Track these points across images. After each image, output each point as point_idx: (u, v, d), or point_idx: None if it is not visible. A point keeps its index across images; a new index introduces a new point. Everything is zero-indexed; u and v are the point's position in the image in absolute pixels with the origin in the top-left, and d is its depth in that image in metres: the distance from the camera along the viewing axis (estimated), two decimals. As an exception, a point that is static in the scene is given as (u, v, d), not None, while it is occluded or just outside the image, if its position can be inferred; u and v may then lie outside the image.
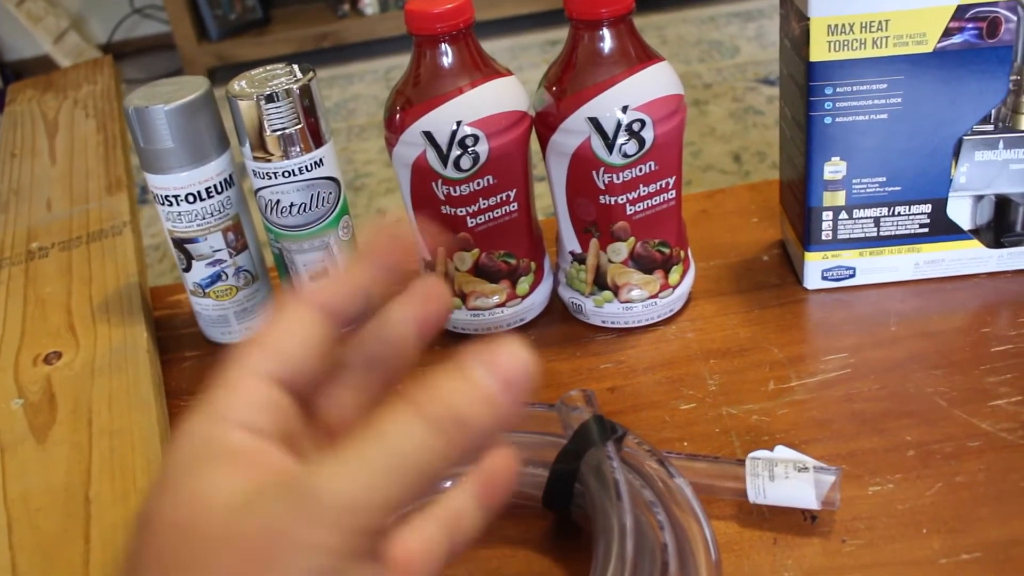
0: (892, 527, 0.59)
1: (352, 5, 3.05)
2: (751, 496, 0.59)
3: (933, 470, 0.63)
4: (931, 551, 0.57)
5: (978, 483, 0.61)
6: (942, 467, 0.63)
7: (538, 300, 0.79)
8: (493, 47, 2.77)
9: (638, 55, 0.70)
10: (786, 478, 0.58)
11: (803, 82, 0.71)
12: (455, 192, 0.72)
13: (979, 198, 0.79)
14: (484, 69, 0.72)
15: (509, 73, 0.74)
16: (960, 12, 0.68)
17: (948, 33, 0.69)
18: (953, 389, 0.69)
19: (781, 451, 0.61)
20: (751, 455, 0.60)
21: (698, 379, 0.72)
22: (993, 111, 0.75)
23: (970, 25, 0.68)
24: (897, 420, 0.67)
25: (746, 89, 2.51)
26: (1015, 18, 0.69)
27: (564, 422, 0.60)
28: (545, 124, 0.72)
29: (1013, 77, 0.73)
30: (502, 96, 0.72)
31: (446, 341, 0.80)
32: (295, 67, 0.76)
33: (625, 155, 0.69)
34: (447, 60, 0.71)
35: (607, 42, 0.69)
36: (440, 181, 0.72)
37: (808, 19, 0.68)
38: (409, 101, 0.72)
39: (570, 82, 0.70)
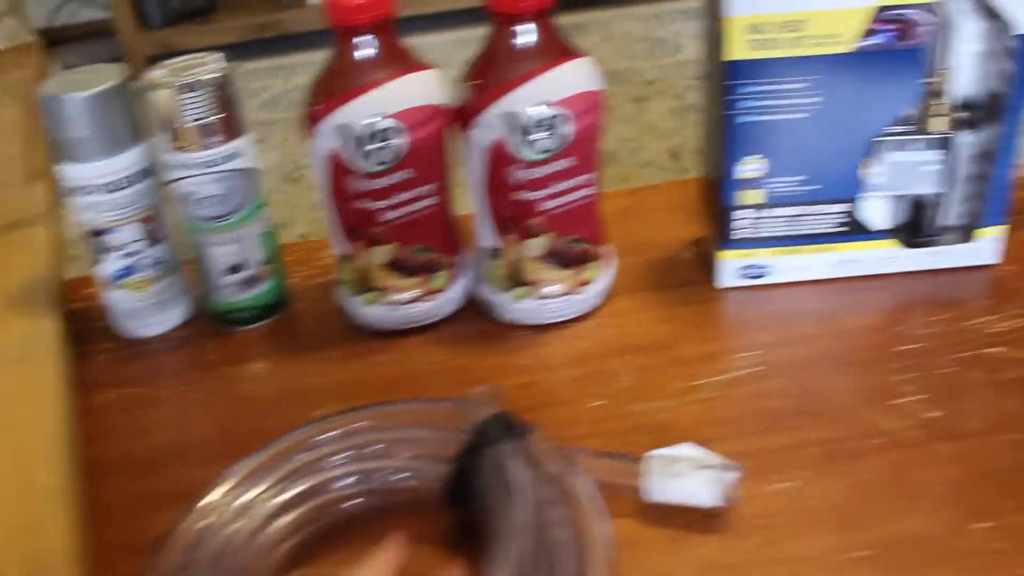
0: (791, 525, 0.59)
1: (298, -6, 3.03)
2: (647, 494, 0.59)
3: (836, 468, 0.63)
4: (827, 548, 0.58)
5: (878, 481, 0.62)
6: (845, 465, 0.63)
7: (455, 295, 0.79)
8: (436, 40, 2.76)
9: (557, 51, 0.70)
10: (685, 476, 0.59)
11: (721, 81, 0.72)
12: (371, 186, 0.72)
13: (896, 198, 0.80)
14: (404, 62, 0.72)
15: (430, 66, 0.73)
16: (877, 14, 0.69)
17: (866, 34, 0.69)
18: (860, 388, 0.69)
19: (684, 448, 0.61)
20: (649, 453, 0.61)
21: (611, 376, 0.72)
22: (908, 111, 0.76)
23: (887, 27, 0.69)
24: (804, 418, 0.67)
25: (687, 87, 2.52)
26: (930, 21, 0.69)
27: (469, 418, 0.60)
28: (464, 118, 0.72)
29: (927, 80, 0.74)
30: (421, 89, 0.72)
31: (360, 336, 0.79)
32: (214, 56, 0.75)
33: (542, 150, 0.69)
34: (365, 53, 0.70)
35: (526, 37, 0.69)
36: (357, 175, 0.72)
37: (726, 18, 0.69)
38: (326, 94, 0.71)
39: (488, 76, 0.70)
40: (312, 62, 2.73)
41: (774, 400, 0.69)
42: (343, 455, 0.60)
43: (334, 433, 0.61)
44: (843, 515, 0.60)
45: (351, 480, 0.60)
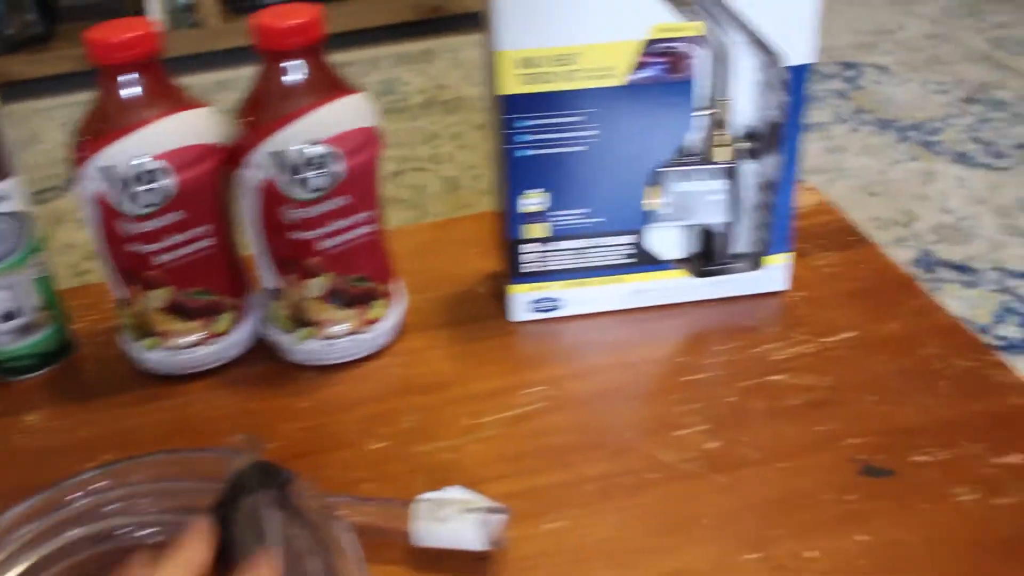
0: (561, 565, 0.59)
1: (140, 22, 2.96)
2: (414, 539, 0.58)
3: (611, 504, 0.63)
4: (591, 588, 0.57)
5: (652, 515, 0.62)
6: (620, 500, 0.63)
7: (241, 337, 0.77)
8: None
9: (328, 87, 0.69)
10: (452, 520, 0.58)
11: (499, 115, 0.71)
12: (140, 229, 0.69)
13: (684, 228, 0.81)
14: (172, 100, 0.69)
15: (201, 104, 0.71)
16: (647, 47, 0.69)
17: (636, 67, 0.69)
18: (642, 420, 0.69)
19: (452, 491, 0.60)
20: (418, 497, 0.59)
21: (395, 416, 0.71)
22: (693, 143, 0.77)
23: (658, 60, 0.69)
24: (583, 453, 0.67)
25: (535, 112, 2.53)
26: (699, 54, 0.70)
27: (227, 469, 0.58)
28: (235, 158, 0.70)
29: (708, 111, 0.75)
30: (190, 128, 0.70)
31: (144, 381, 0.77)
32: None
33: (312, 190, 0.68)
34: (131, 92, 0.68)
35: (294, 74, 0.67)
36: (125, 218, 0.69)
37: (497, 52, 0.68)
38: (91, 135, 0.68)
39: (257, 114, 0.68)
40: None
41: (556, 436, 0.68)
42: (88, 515, 0.58)
43: (79, 494, 0.58)
44: (614, 552, 0.59)
45: (91, 538, 0.57)
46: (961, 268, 1.79)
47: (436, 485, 0.64)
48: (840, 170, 2.13)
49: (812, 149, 2.21)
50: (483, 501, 0.59)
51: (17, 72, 2.81)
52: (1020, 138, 2.18)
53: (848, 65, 2.61)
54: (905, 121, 2.30)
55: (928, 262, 1.80)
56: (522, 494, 0.64)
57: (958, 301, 1.71)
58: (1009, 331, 1.64)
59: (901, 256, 1.83)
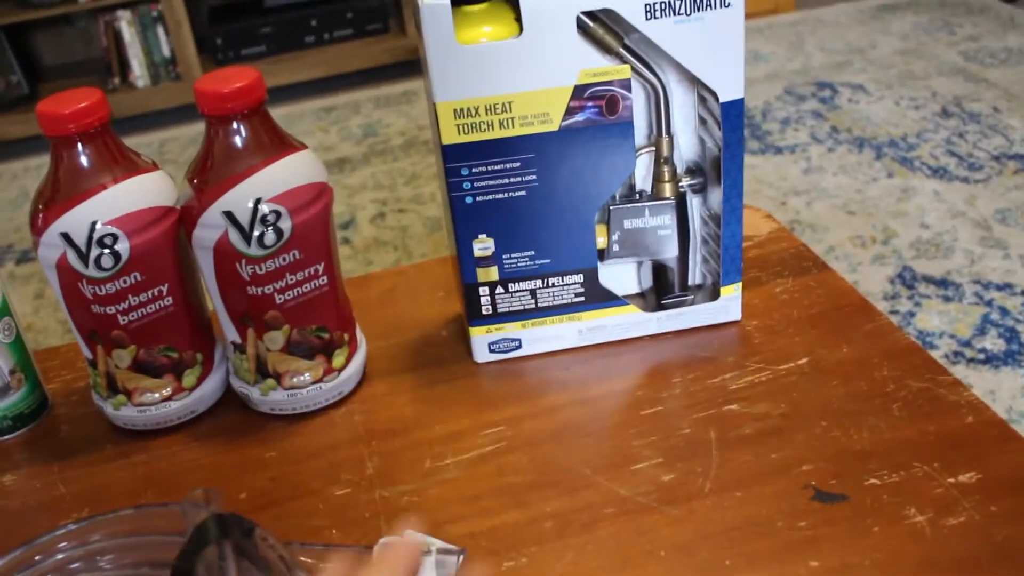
0: (515, 603, 0.60)
1: (122, 78, 2.99)
2: (371, 585, 0.59)
3: (567, 540, 0.64)
4: (544, 626, 0.58)
5: (608, 550, 0.63)
6: (576, 536, 0.64)
7: (209, 391, 0.78)
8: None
9: (274, 146, 0.70)
10: (407, 564, 0.59)
11: (442, 164, 0.73)
12: (101, 291, 0.71)
13: (636, 264, 0.82)
14: (124, 166, 0.71)
15: (154, 168, 0.73)
16: (578, 92, 0.71)
17: (570, 112, 0.71)
18: (600, 456, 0.71)
19: (410, 535, 0.61)
20: (380, 541, 0.61)
21: (358, 462, 0.72)
22: (639, 180, 0.78)
23: (590, 104, 0.71)
24: (541, 491, 0.68)
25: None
26: (631, 96, 0.72)
27: (188, 521, 0.60)
28: (188, 218, 0.71)
29: (649, 149, 0.77)
30: (144, 192, 0.71)
31: (118, 437, 0.78)
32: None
33: (264, 246, 0.69)
34: (84, 160, 0.70)
35: (240, 136, 0.69)
36: (85, 281, 0.71)
37: (436, 103, 0.70)
38: (47, 203, 0.70)
39: (207, 176, 0.70)
40: (142, 144, 2.69)
41: (515, 475, 0.70)
42: (56, 573, 0.59)
43: (46, 554, 0.59)
44: (568, 589, 0.60)
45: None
46: (941, 283, 1.81)
47: (398, 529, 0.65)
48: (818, 190, 2.15)
49: (790, 171, 2.24)
50: (437, 543, 0.60)
51: (3, 132, 2.85)
52: (995, 149, 2.20)
53: (823, 85, 2.64)
54: (881, 138, 2.32)
55: (908, 278, 1.82)
56: (482, 534, 0.65)
57: (939, 316, 1.72)
58: (990, 343, 1.65)
59: (881, 273, 1.85)
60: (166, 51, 2.98)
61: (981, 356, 1.63)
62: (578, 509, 0.66)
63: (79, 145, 0.69)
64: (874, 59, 2.78)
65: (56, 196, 0.70)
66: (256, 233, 0.69)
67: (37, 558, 0.60)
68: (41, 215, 0.70)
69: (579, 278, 0.78)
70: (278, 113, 2.79)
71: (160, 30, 2.96)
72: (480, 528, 0.66)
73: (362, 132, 2.70)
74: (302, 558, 0.60)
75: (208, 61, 3.04)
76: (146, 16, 2.94)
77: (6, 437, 0.80)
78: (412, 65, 3.02)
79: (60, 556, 0.61)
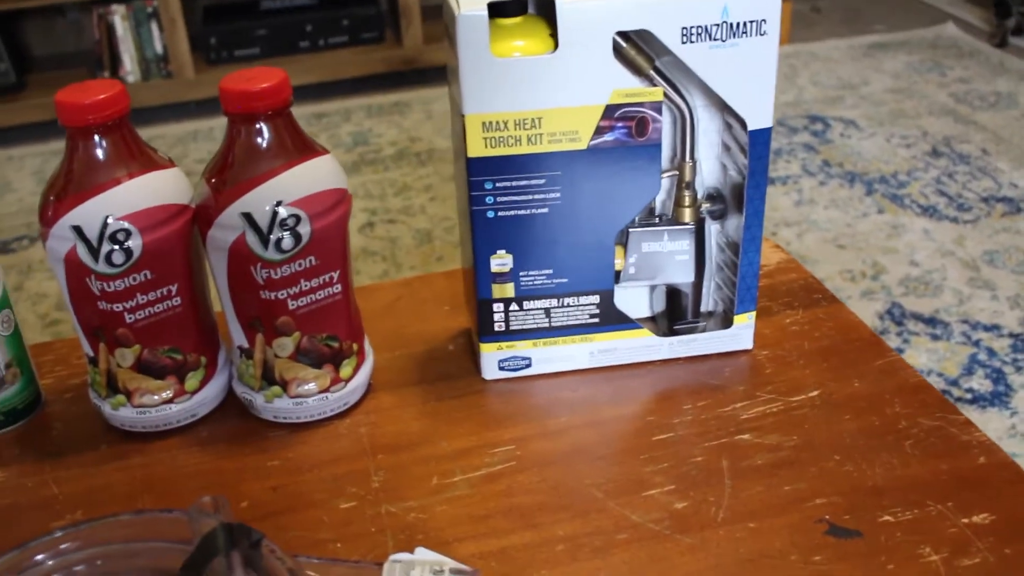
0: (527, 628, 0.59)
1: (113, 72, 2.97)
2: (383, 602, 0.58)
3: (580, 564, 0.63)
4: (557, 653, 0.57)
5: (619, 577, 0.62)
6: (589, 561, 0.63)
7: (211, 395, 0.77)
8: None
9: (296, 149, 0.69)
10: (420, 583, 0.57)
11: (466, 176, 0.72)
12: (109, 287, 0.69)
13: (651, 288, 0.81)
14: (140, 161, 0.70)
15: (171, 164, 0.72)
16: (609, 112, 0.70)
17: (600, 131, 0.70)
18: (611, 480, 0.70)
19: (421, 553, 0.60)
20: (390, 558, 0.59)
21: (363, 476, 0.71)
22: (658, 203, 0.77)
23: (620, 124, 0.71)
24: (553, 514, 0.67)
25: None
26: (661, 119, 0.71)
27: (194, 530, 0.58)
28: (204, 218, 0.70)
29: (671, 173, 0.76)
30: (160, 188, 0.70)
31: (113, 438, 0.76)
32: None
33: (281, 250, 0.68)
34: (100, 152, 0.68)
35: (263, 137, 0.68)
36: (93, 276, 0.69)
37: (464, 115, 0.69)
38: (60, 194, 0.69)
39: (227, 176, 0.69)
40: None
41: (525, 496, 0.69)
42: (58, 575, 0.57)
43: (45, 555, 0.58)
44: (580, 615, 0.59)
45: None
46: (929, 321, 1.81)
47: (405, 545, 0.64)
48: (809, 223, 2.15)
49: (782, 202, 2.24)
50: (450, 563, 0.59)
51: (-10, 121, 2.81)
52: (984, 191, 2.22)
53: (815, 119, 2.65)
54: (872, 174, 2.33)
55: (897, 315, 1.82)
56: (492, 555, 0.64)
57: (927, 354, 1.73)
58: (977, 384, 1.66)
59: (870, 309, 1.85)
60: (159, 48, 2.96)
61: (968, 396, 1.63)
62: (590, 533, 0.65)
63: (96, 137, 0.68)
64: (866, 95, 2.79)
65: (69, 187, 0.68)
66: (274, 237, 0.68)
67: (35, 558, 0.59)
68: (52, 206, 0.69)
69: (595, 299, 0.77)
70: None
71: (154, 26, 2.94)
72: (490, 548, 0.64)
73: (353, 140, 2.69)
74: (309, 572, 0.59)
75: (200, 60, 3.02)
76: (141, 11, 2.92)
77: (-2, 432, 0.79)
78: (406, 76, 3.01)
79: (58, 559, 0.59)
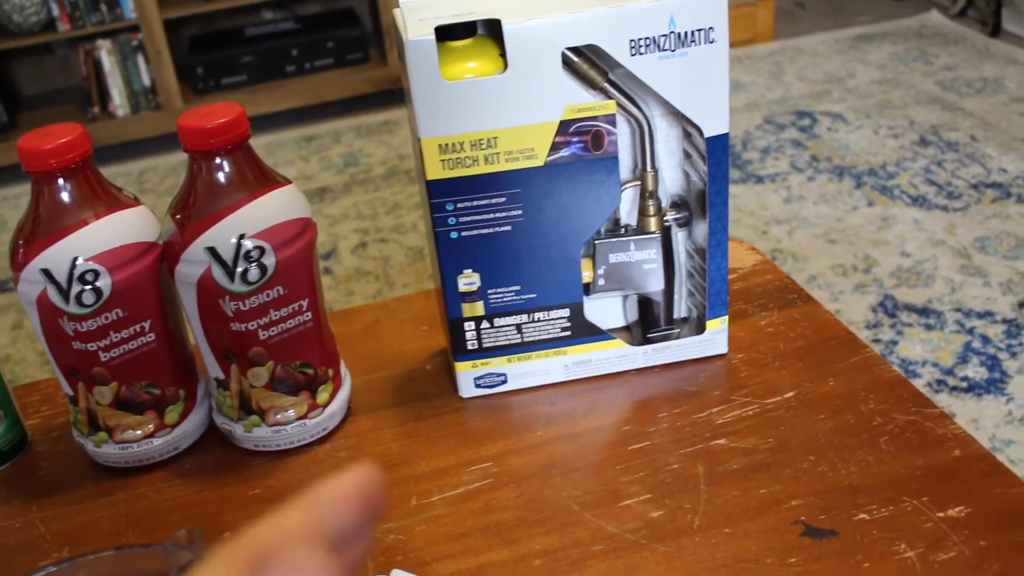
0: (504, 644, 0.59)
1: (102, 107, 2.98)
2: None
3: (556, 579, 0.63)
4: (532, 668, 0.57)
5: (595, 589, 0.62)
6: (565, 575, 0.64)
7: (191, 427, 0.78)
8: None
9: (257, 181, 0.70)
10: (394, 606, 0.58)
11: (427, 198, 0.73)
12: (82, 327, 0.70)
13: (622, 298, 0.82)
14: (106, 200, 0.71)
15: (137, 203, 0.73)
16: (564, 127, 0.71)
17: (555, 147, 0.71)
18: (587, 492, 0.70)
19: (396, 574, 0.60)
20: (366, 583, 0.60)
21: (343, 501, 0.71)
22: (624, 214, 0.78)
23: (575, 139, 0.71)
24: (529, 529, 0.67)
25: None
26: (616, 131, 0.72)
27: (171, 564, 0.59)
28: (171, 254, 0.71)
29: (634, 183, 0.77)
30: (126, 227, 0.71)
31: (98, 475, 0.77)
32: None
33: (248, 282, 0.69)
34: (65, 195, 0.69)
35: (223, 171, 0.69)
36: (66, 317, 0.70)
37: (421, 139, 0.70)
38: (28, 238, 0.70)
39: (190, 211, 0.69)
40: (122, 173, 2.68)
41: (502, 512, 0.69)
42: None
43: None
44: (557, 629, 0.60)
45: None
46: (922, 311, 1.81)
47: (384, 568, 0.65)
48: (799, 219, 2.16)
49: (771, 200, 2.24)
50: (425, 584, 0.59)
51: (-18, 162, 2.83)
52: (973, 177, 2.22)
53: (802, 114, 2.66)
54: (861, 167, 2.34)
55: (889, 307, 1.82)
56: (469, 573, 0.64)
57: (921, 344, 1.73)
58: (972, 372, 1.66)
59: (863, 302, 1.85)
60: (146, 80, 2.98)
61: (964, 384, 1.63)
62: (566, 547, 0.66)
63: (60, 180, 0.69)
64: (852, 88, 2.80)
65: (37, 231, 0.69)
66: (240, 269, 0.68)
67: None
68: (22, 251, 0.69)
69: (565, 312, 0.77)
70: (259, 142, 2.79)
71: (140, 59, 2.95)
72: (467, 566, 0.65)
73: (343, 161, 2.70)
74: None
75: (188, 90, 3.03)
76: (126, 45, 2.94)
77: (-16, 475, 0.79)
78: (393, 95, 3.02)
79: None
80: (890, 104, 2.67)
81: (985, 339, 1.73)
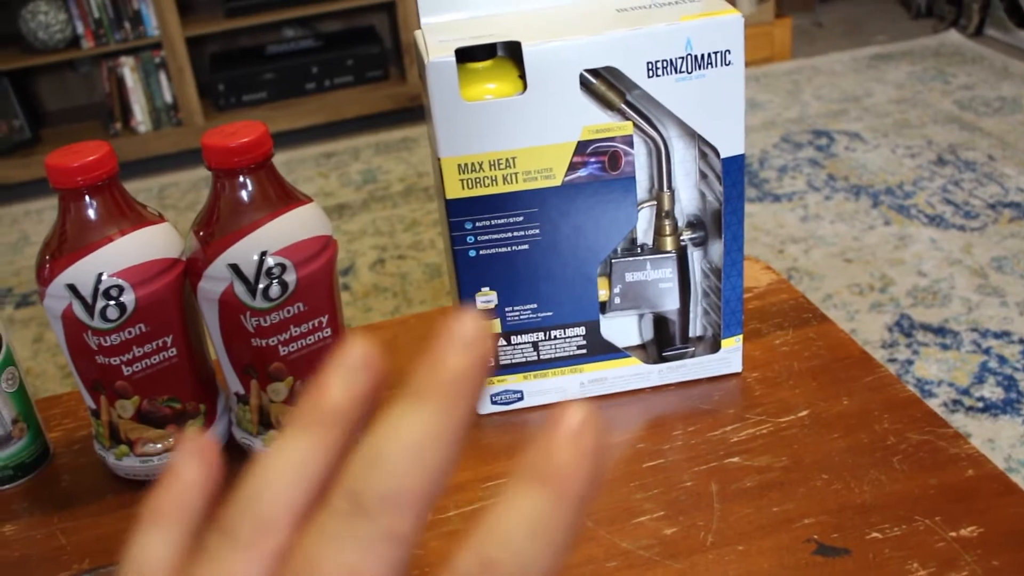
0: (518, 659, 0.60)
1: (124, 123, 3.01)
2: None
3: (570, 595, 0.64)
4: None
5: (610, 605, 0.63)
6: (579, 591, 0.64)
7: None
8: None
9: (279, 199, 0.71)
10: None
11: (446, 217, 0.74)
12: (106, 342, 0.71)
13: (638, 316, 0.83)
14: (131, 217, 0.72)
15: (161, 220, 0.74)
16: (581, 148, 0.72)
17: (573, 167, 0.72)
18: (601, 508, 0.71)
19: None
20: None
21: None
22: (640, 233, 0.79)
23: (593, 159, 0.72)
24: (544, 545, 0.68)
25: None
26: (633, 152, 0.73)
27: None
28: (193, 270, 0.72)
29: (650, 203, 0.78)
30: (150, 244, 0.72)
31: (119, 487, 0.78)
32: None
33: (269, 299, 0.70)
34: (91, 212, 0.71)
35: (246, 189, 0.70)
36: (90, 332, 0.71)
37: (440, 158, 0.71)
38: (54, 254, 0.71)
39: (213, 228, 0.71)
40: (143, 189, 2.70)
41: (518, 528, 0.70)
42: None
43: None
44: (571, 644, 0.60)
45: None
46: (939, 330, 1.81)
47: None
48: (816, 238, 2.16)
49: (788, 219, 2.25)
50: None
51: (5, 176, 2.86)
52: (991, 197, 2.22)
53: (819, 133, 2.66)
54: (878, 186, 2.34)
55: (906, 326, 1.82)
56: (484, 588, 0.65)
57: (937, 364, 1.73)
58: (988, 392, 1.65)
59: (879, 321, 1.85)
60: (168, 97, 3.00)
61: (980, 404, 1.63)
62: (581, 563, 0.66)
63: (86, 197, 0.70)
64: (869, 107, 2.80)
65: (63, 247, 0.71)
66: (261, 286, 0.69)
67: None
68: (48, 266, 0.71)
69: (581, 331, 0.78)
70: (279, 159, 2.81)
71: (163, 76, 2.98)
72: (483, 582, 0.65)
73: (362, 178, 2.72)
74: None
75: (210, 107, 3.06)
76: (149, 62, 2.97)
77: (7, 486, 0.81)
78: (411, 112, 3.04)
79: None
80: (907, 123, 2.67)
81: (1002, 359, 1.73)
